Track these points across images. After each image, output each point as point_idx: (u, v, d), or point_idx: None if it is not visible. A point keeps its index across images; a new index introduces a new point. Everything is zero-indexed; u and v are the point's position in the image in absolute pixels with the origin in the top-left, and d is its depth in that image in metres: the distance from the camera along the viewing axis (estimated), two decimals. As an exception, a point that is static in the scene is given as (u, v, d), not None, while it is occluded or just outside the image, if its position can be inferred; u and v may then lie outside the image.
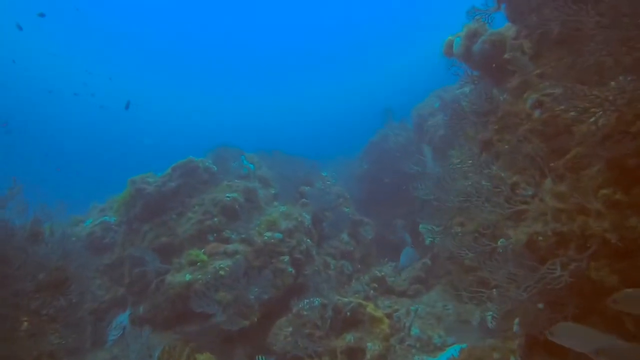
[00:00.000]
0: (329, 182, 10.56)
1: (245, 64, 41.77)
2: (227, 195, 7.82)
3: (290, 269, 7.47)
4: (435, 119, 11.34)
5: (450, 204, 4.11)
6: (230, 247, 7.23)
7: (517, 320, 4.14)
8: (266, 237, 7.52)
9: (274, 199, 9.20)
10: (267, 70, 42.01)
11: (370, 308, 6.38)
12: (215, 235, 7.50)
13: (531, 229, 3.49)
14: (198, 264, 6.90)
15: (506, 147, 4.15)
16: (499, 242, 4.09)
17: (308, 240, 8.22)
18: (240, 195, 8.00)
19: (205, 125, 39.50)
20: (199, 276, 6.68)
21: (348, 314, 6.46)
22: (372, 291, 8.49)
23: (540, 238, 3.60)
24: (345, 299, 6.59)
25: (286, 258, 7.50)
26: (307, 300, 6.74)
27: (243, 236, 7.53)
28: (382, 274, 8.91)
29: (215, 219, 7.55)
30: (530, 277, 3.50)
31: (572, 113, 3.70)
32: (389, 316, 6.71)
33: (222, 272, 6.71)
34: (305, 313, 6.69)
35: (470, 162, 4.53)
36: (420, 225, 10.48)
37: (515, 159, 4.01)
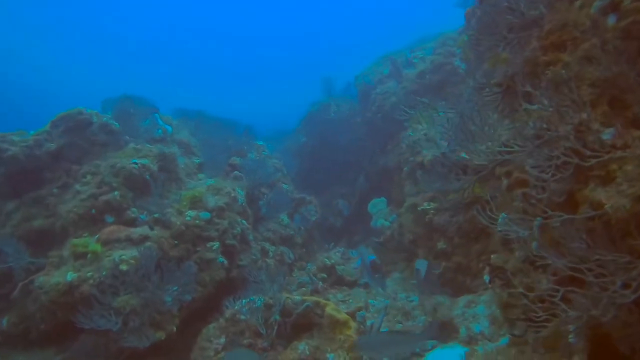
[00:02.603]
0: (265, 153, 8.82)
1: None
2: (134, 161, 5.73)
3: (221, 259, 5.71)
4: (385, 85, 10.08)
5: (488, 157, 2.69)
6: (138, 232, 5.24)
7: (572, 326, 2.87)
8: (188, 218, 5.64)
9: (199, 170, 7.24)
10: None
11: (330, 308, 4.88)
12: (115, 215, 5.44)
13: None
14: (88, 256, 4.83)
15: (562, 72, 2.79)
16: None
17: (243, 221, 6.47)
18: (152, 162, 5.94)
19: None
20: (89, 274, 4.64)
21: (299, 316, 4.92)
22: (320, 283, 7.02)
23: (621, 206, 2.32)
24: (297, 298, 5.01)
25: (216, 245, 5.71)
26: (246, 301, 5.05)
27: (156, 216, 5.56)
28: (332, 261, 7.47)
29: (116, 193, 5.44)
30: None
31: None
32: (352, 315, 5.28)
33: (124, 267, 4.74)
34: (242, 317, 5.01)
35: (496, 95, 3.15)
36: (370, 204, 9.29)
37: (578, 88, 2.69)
